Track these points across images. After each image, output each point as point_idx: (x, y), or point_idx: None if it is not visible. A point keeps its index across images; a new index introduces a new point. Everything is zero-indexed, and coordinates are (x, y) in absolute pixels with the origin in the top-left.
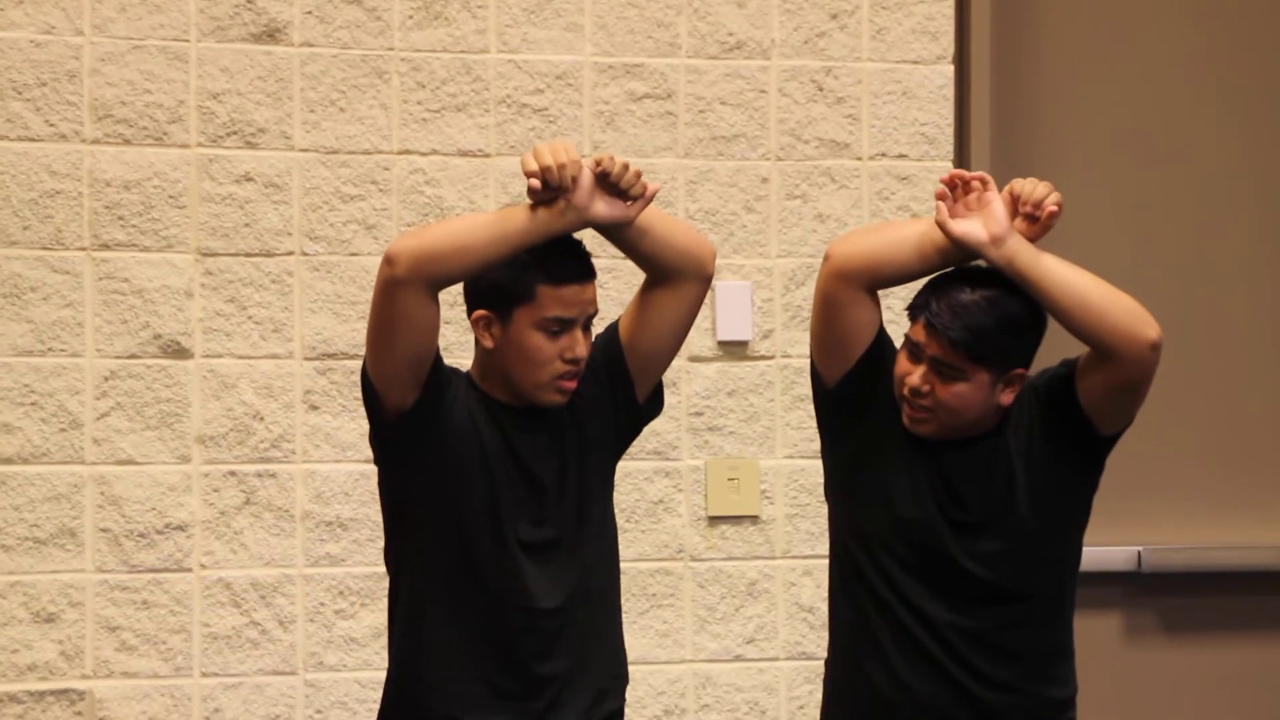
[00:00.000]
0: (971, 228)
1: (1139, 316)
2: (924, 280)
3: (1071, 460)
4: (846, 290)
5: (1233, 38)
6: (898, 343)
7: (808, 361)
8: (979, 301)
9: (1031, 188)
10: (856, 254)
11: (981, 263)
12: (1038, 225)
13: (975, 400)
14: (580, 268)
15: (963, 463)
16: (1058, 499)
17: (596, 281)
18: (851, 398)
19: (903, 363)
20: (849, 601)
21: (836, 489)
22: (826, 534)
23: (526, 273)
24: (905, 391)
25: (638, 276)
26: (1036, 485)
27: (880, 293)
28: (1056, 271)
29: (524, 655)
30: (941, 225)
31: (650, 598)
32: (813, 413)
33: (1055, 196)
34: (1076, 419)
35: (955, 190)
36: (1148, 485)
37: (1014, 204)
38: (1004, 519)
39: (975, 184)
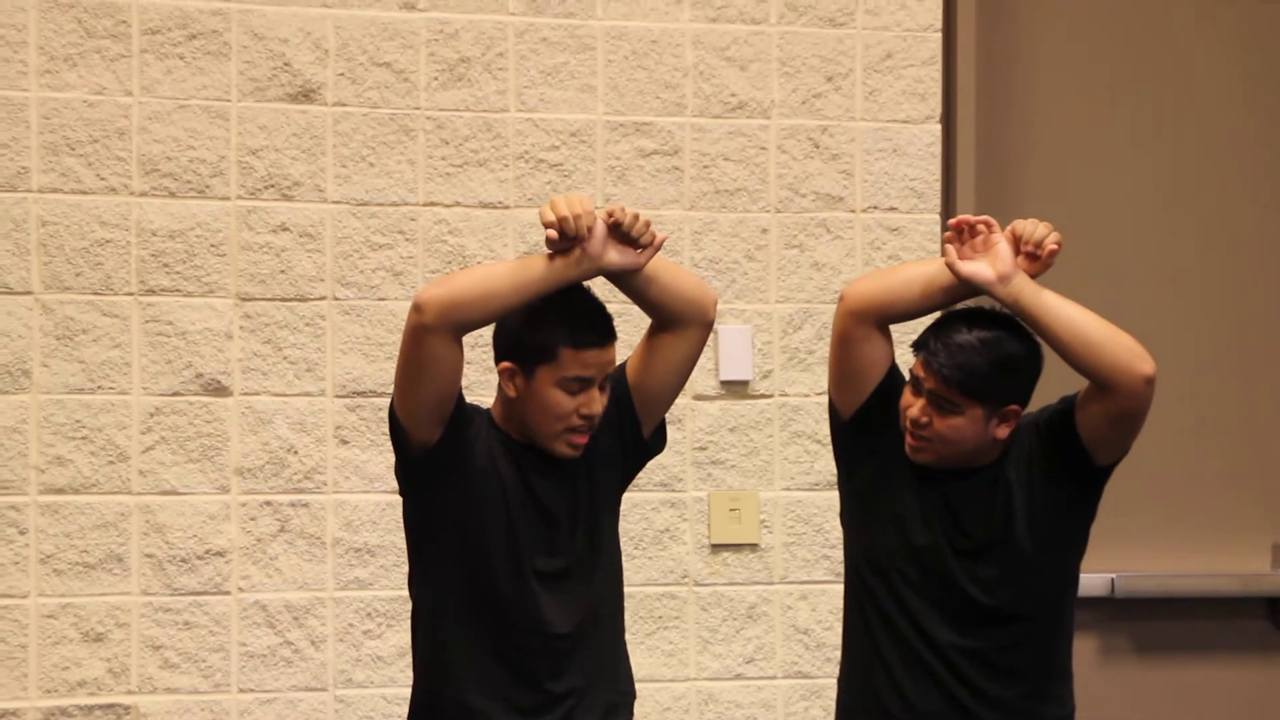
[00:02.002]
0: (979, 268)
1: (1135, 352)
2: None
3: (1070, 490)
4: (860, 327)
5: (1207, 96)
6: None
7: (805, 400)
8: (974, 342)
9: (1033, 228)
10: (869, 293)
11: (983, 301)
12: (1039, 263)
13: (970, 433)
14: (602, 332)
15: (966, 492)
16: (1056, 527)
17: (615, 350)
18: (866, 428)
19: (906, 395)
20: (861, 622)
21: (852, 515)
22: (822, 561)
23: (552, 334)
24: (907, 422)
25: (645, 321)
26: (1035, 514)
27: (893, 329)
28: (1058, 308)
29: (539, 675)
30: (951, 267)
31: (657, 620)
32: (809, 448)
33: (1055, 236)
34: (1076, 450)
35: (962, 234)
36: (1121, 517)
37: (1016, 243)
38: (1003, 546)
39: (980, 227)
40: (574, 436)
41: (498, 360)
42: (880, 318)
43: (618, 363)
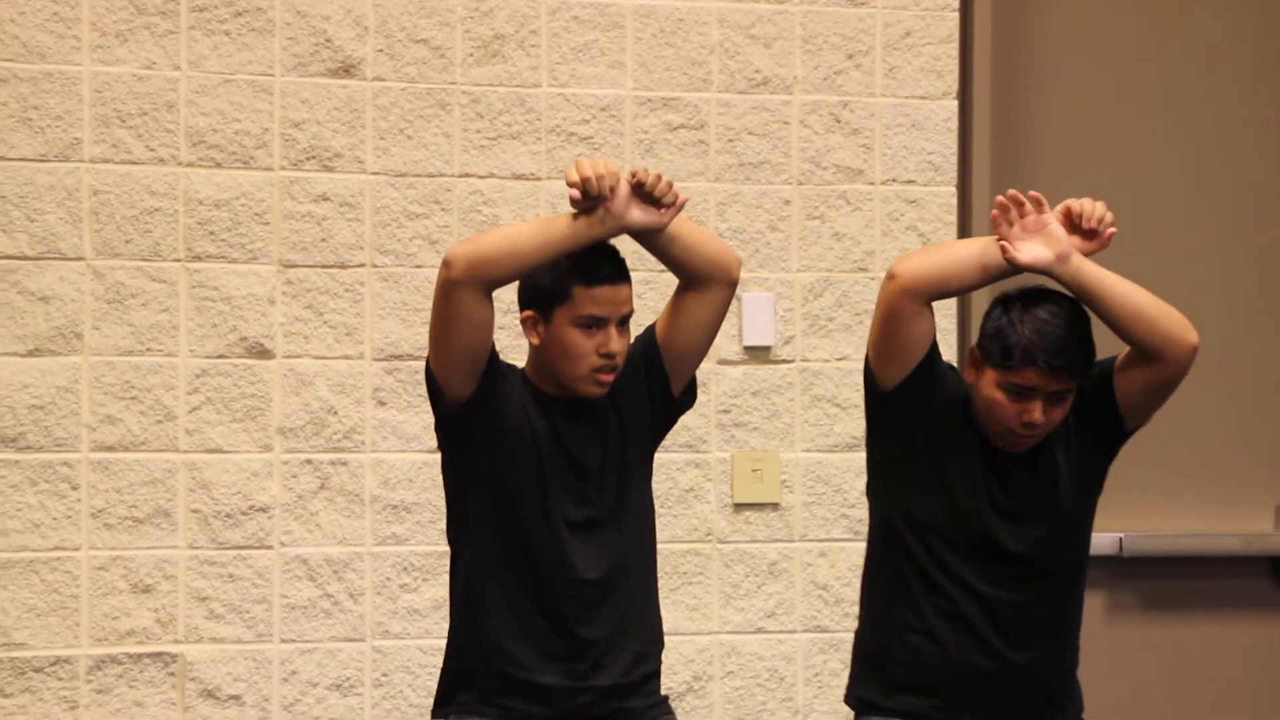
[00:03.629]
0: (1038, 253)
1: (1183, 324)
2: (995, 322)
3: (1099, 450)
4: (912, 304)
5: (1224, 71)
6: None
7: (825, 365)
8: (1066, 330)
9: (1092, 207)
10: (923, 273)
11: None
12: (1096, 242)
13: (1069, 405)
14: (612, 270)
15: (1012, 457)
16: (1087, 486)
17: (632, 287)
18: (910, 398)
19: (1003, 403)
20: (892, 577)
21: (887, 478)
22: (841, 519)
23: (564, 276)
24: (1017, 426)
25: (672, 286)
26: (1074, 474)
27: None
28: (1116, 285)
29: (569, 621)
30: (1009, 258)
31: (681, 576)
32: (829, 411)
33: (1111, 216)
34: (1111, 415)
35: (1009, 212)
36: (1129, 479)
37: (1069, 222)
38: (1046, 506)
39: (1029, 206)
40: (600, 375)
41: (521, 311)
42: (934, 296)
43: (647, 324)
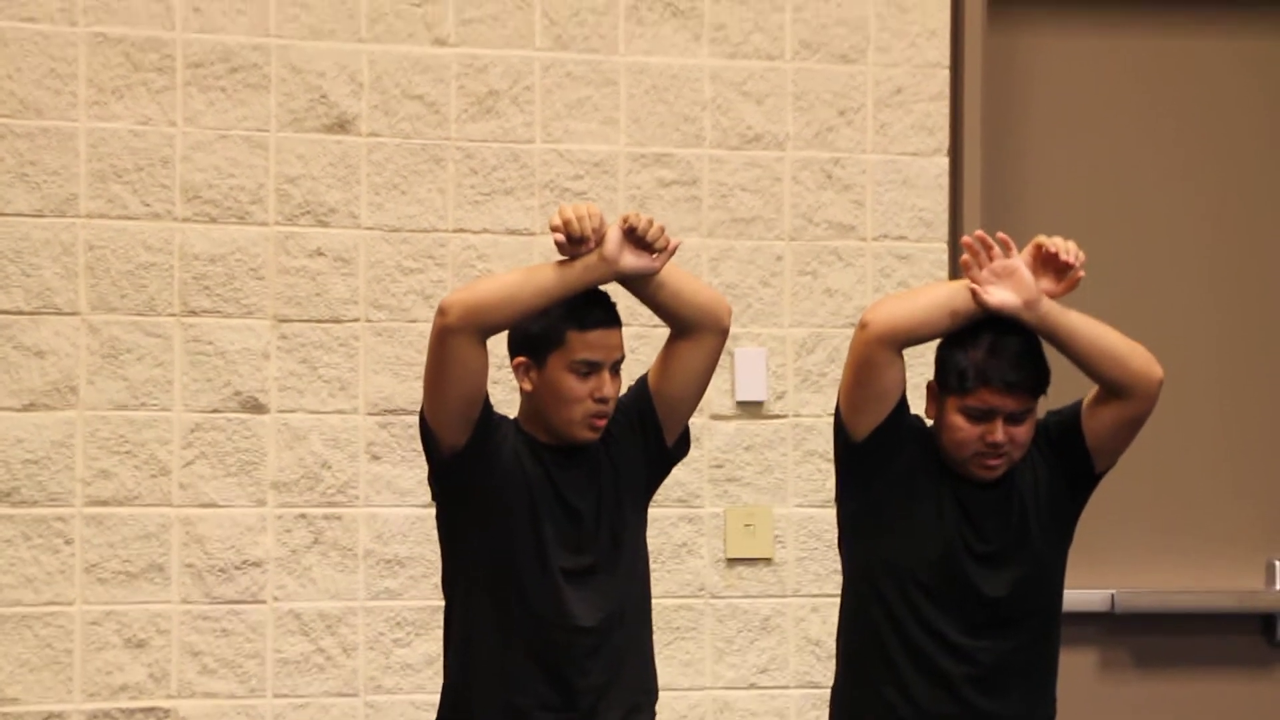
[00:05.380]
0: (1005, 297)
1: (1148, 359)
2: (946, 351)
3: (1069, 495)
4: (883, 353)
5: (1212, 128)
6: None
7: (818, 420)
8: (1022, 346)
9: (1063, 243)
10: (894, 321)
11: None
12: (1063, 284)
13: (1032, 429)
14: (605, 315)
15: (982, 498)
16: (1060, 529)
17: (624, 336)
18: (882, 446)
19: (964, 427)
20: (865, 630)
21: (861, 528)
22: (834, 575)
23: (558, 321)
24: (982, 449)
25: (664, 340)
26: (1044, 517)
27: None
28: (1083, 326)
29: (564, 669)
30: (979, 300)
31: (674, 631)
32: (821, 466)
33: (1082, 255)
34: (1080, 456)
35: (979, 255)
36: (1121, 535)
37: (1037, 261)
38: (1019, 549)
39: (997, 249)
40: (594, 420)
41: (512, 358)
42: (904, 344)
43: (639, 374)
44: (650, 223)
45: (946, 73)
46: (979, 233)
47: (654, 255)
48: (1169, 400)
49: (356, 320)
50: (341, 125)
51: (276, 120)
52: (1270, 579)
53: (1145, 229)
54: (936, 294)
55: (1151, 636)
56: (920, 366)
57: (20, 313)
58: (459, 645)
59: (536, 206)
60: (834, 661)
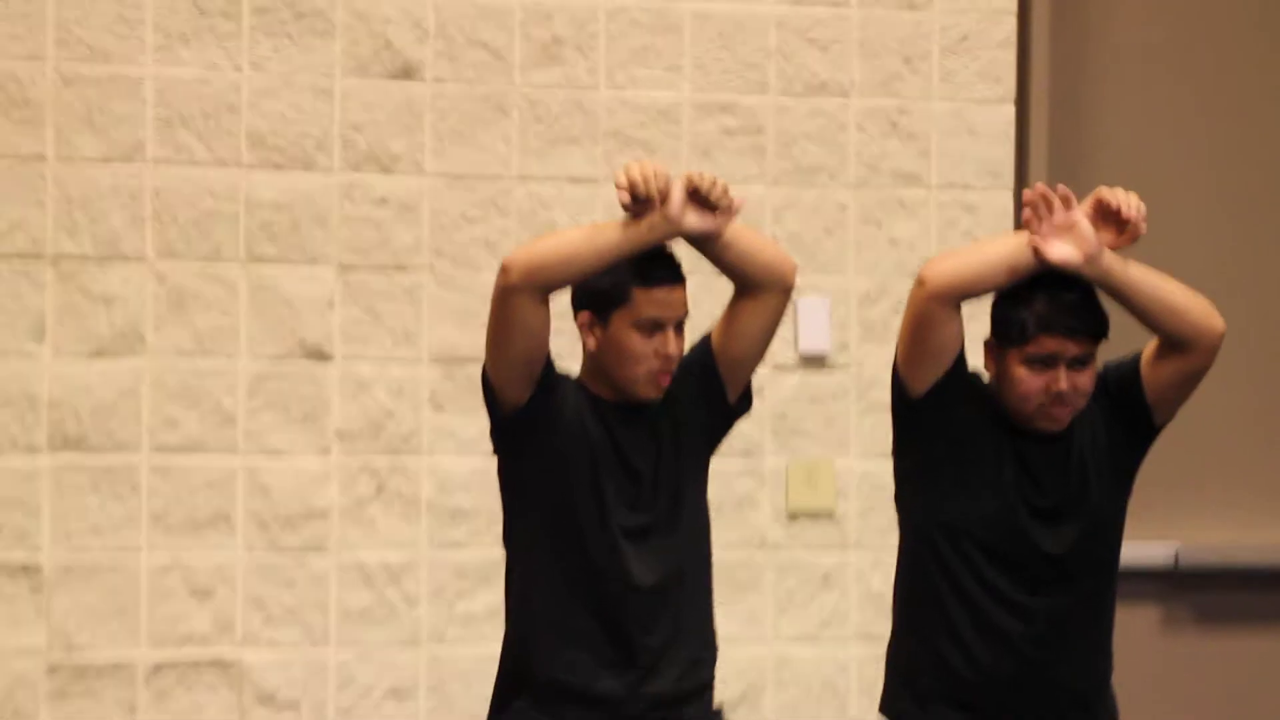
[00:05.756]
0: (1068, 251)
1: (1210, 311)
2: (1002, 307)
3: (1129, 449)
4: (942, 309)
5: None
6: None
7: (881, 373)
8: (1077, 293)
9: (1125, 196)
10: (953, 277)
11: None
12: (1125, 237)
13: (1094, 375)
14: (670, 272)
15: (1043, 455)
16: (1119, 484)
17: (688, 294)
18: (942, 402)
19: (1027, 378)
20: (922, 586)
21: (919, 484)
22: (895, 529)
23: (623, 278)
24: (1047, 399)
25: (728, 292)
26: (1104, 472)
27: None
28: (1145, 279)
29: (624, 627)
30: (1040, 253)
31: (735, 584)
32: (884, 419)
33: (1144, 207)
34: (1140, 410)
35: (1038, 209)
36: (1184, 489)
37: (1098, 214)
38: (1079, 505)
39: (1058, 203)
40: (659, 377)
41: (575, 314)
42: (962, 299)
43: (702, 333)
44: (714, 182)
45: (1013, 19)
46: (1040, 186)
47: (717, 215)
48: (1232, 350)
49: (420, 269)
50: (406, 72)
51: (341, 67)
52: None
53: (1217, 179)
54: (995, 249)
55: (1216, 593)
56: (983, 318)
57: (88, 258)
58: (519, 600)
59: (600, 155)
60: (892, 614)
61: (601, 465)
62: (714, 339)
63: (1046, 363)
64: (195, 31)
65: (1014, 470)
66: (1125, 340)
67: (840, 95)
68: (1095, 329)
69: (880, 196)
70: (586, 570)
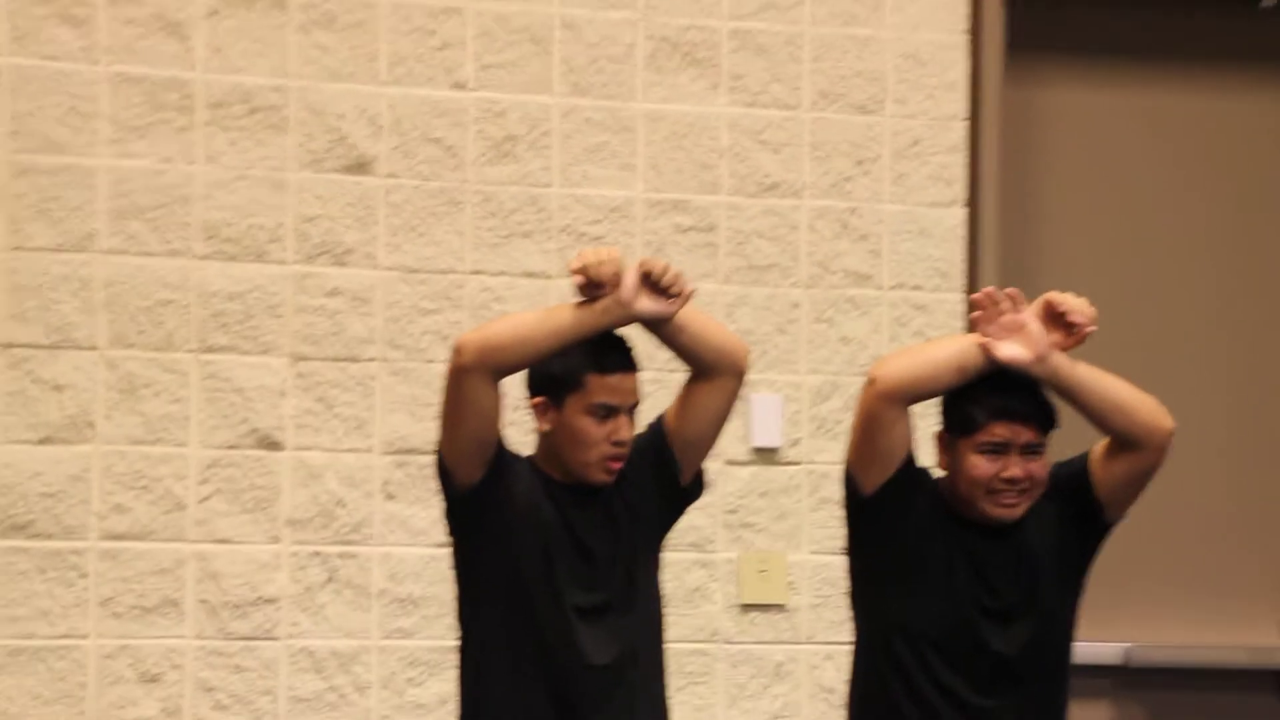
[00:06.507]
0: (1016, 351)
1: (1159, 410)
2: (951, 400)
3: (1080, 547)
4: (892, 410)
5: (1222, 185)
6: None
7: (832, 468)
8: (1019, 384)
9: (1075, 302)
10: (902, 377)
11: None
12: (1072, 338)
13: (1046, 466)
14: (625, 359)
15: (995, 555)
16: (1071, 583)
17: (640, 384)
18: (892, 502)
19: (981, 465)
20: (877, 686)
21: (872, 584)
22: (848, 623)
23: (578, 363)
24: (1000, 485)
25: (680, 383)
26: (1055, 572)
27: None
28: (1093, 378)
29: (578, 708)
30: (989, 352)
31: (687, 675)
32: (836, 513)
33: (1093, 311)
34: (1091, 507)
35: (988, 311)
36: (1135, 590)
37: (1048, 316)
38: (1031, 605)
39: (1006, 303)
40: (610, 463)
41: (530, 397)
42: (913, 400)
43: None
44: (666, 268)
45: (964, 125)
46: (988, 289)
47: (670, 300)
48: (1182, 451)
49: (373, 360)
50: (360, 166)
51: (296, 160)
52: None
53: (1161, 282)
54: (945, 348)
55: (1165, 691)
56: (934, 415)
57: (39, 346)
58: (472, 682)
59: (554, 250)
60: (846, 711)
61: (554, 546)
62: (668, 420)
63: (999, 450)
64: (149, 125)
65: (966, 571)
66: (1075, 440)
67: (793, 196)
68: (1045, 419)
69: (832, 295)
70: (540, 649)
